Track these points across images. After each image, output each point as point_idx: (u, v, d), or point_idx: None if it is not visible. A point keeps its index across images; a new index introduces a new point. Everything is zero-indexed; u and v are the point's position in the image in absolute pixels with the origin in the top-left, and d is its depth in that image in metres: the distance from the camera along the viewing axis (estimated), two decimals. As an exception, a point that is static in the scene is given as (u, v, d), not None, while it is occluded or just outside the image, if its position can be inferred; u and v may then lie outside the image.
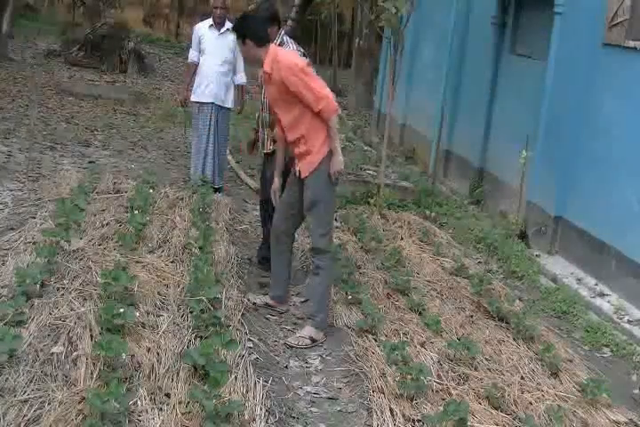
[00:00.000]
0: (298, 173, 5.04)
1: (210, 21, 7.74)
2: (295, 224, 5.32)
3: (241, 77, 7.91)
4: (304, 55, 5.75)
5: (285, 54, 4.99)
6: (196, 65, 7.85)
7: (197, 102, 7.80)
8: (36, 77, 13.08)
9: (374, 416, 4.03)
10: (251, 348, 4.65)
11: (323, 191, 4.99)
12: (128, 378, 3.85)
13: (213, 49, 7.71)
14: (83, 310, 4.50)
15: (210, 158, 7.76)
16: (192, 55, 7.91)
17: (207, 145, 7.75)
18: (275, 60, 4.85)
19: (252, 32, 4.91)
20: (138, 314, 4.49)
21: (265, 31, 5.10)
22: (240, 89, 8.02)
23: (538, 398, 4.38)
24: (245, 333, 4.79)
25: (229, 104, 7.87)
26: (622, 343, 5.57)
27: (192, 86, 7.85)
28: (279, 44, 5.82)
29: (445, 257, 6.71)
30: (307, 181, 4.97)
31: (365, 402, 4.23)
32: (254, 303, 5.37)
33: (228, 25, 7.76)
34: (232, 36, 7.73)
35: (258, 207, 6.46)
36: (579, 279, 6.64)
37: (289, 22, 20.40)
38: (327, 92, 4.84)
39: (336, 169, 4.91)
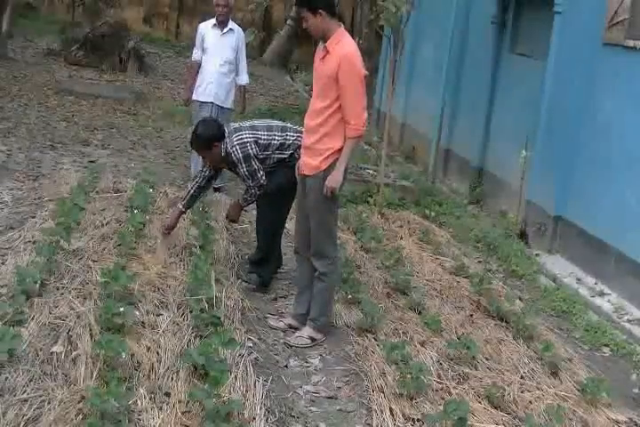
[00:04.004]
0: (299, 169, 4.88)
1: (213, 21, 7.74)
2: (306, 239, 4.96)
3: (244, 78, 7.91)
4: None
5: (355, 48, 4.67)
6: (198, 64, 7.85)
7: (198, 101, 7.80)
8: (36, 77, 13.06)
9: (374, 416, 4.04)
10: (250, 347, 4.65)
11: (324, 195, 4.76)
12: (128, 377, 3.85)
13: (215, 49, 7.70)
14: (82, 309, 4.50)
15: None
16: (195, 54, 7.90)
17: None
18: (342, 43, 4.60)
19: (327, 2, 4.59)
20: (137, 313, 4.50)
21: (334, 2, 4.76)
22: (242, 89, 8.01)
23: (538, 397, 4.39)
24: (245, 332, 4.79)
25: (229, 104, 7.86)
26: (622, 343, 5.57)
27: (194, 85, 7.84)
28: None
29: (445, 256, 6.71)
30: (309, 181, 4.79)
31: (365, 401, 4.24)
32: (277, 328, 5.11)
33: (231, 25, 7.76)
34: (235, 36, 7.78)
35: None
36: (578, 279, 6.64)
37: (289, 22, 20.49)
38: (365, 115, 4.67)
39: (331, 185, 4.66)
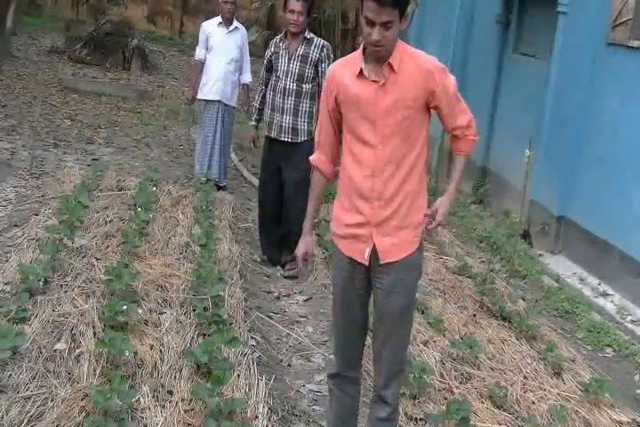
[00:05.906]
0: (371, 256, 3.13)
1: (218, 19, 7.72)
2: (361, 353, 3.45)
3: (247, 77, 7.91)
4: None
5: (416, 49, 3.22)
6: (202, 63, 7.83)
7: (204, 100, 7.78)
8: (40, 74, 13.07)
9: (377, 415, 4.02)
10: (253, 346, 4.64)
11: (417, 282, 3.30)
12: (131, 375, 3.85)
13: (222, 47, 7.68)
14: (86, 307, 4.50)
15: (216, 157, 7.78)
16: (199, 53, 7.88)
17: (214, 143, 7.74)
18: (412, 52, 3.12)
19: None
20: (141, 311, 4.50)
21: None
22: (246, 88, 8.01)
23: (540, 397, 4.38)
24: (248, 331, 4.79)
25: (234, 103, 7.88)
26: (625, 343, 5.56)
27: (199, 84, 7.84)
28: (309, 39, 5.80)
29: (448, 256, 6.70)
30: (396, 267, 3.12)
31: (368, 400, 4.22)
32: None
33: (235, 23, 7.75)
34: (240, 35, 7.78)
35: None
36: (581, 279, 6.63)
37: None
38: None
39: (441, 219, 3.28)
